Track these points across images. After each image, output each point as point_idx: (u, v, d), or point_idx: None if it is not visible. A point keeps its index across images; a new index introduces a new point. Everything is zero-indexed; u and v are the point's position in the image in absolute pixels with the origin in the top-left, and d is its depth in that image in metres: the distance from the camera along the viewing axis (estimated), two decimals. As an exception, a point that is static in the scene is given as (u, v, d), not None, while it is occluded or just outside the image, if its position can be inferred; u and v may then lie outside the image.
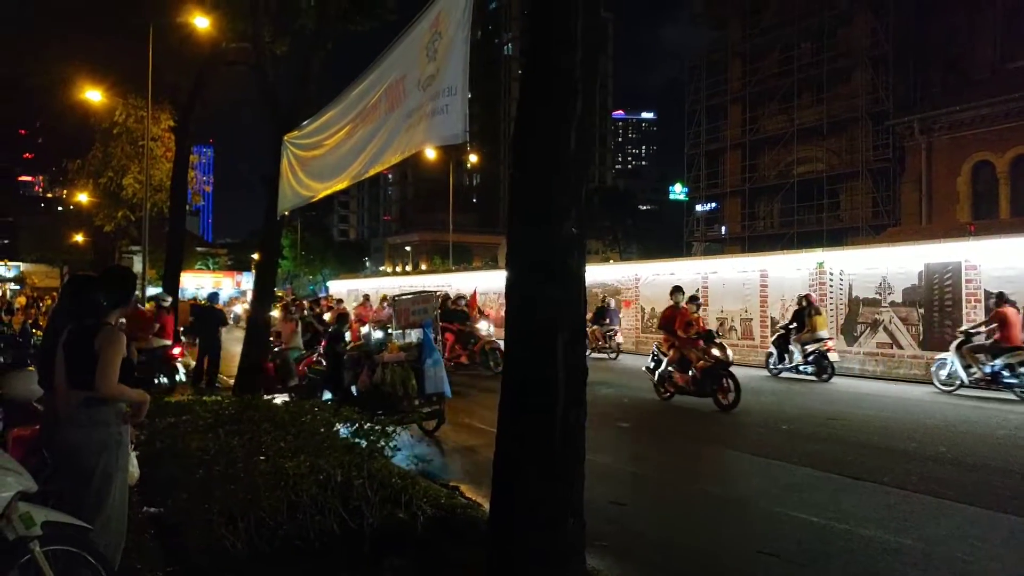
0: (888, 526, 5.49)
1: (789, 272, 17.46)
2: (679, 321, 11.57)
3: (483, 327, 16.89)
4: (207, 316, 14.60)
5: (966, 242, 14.48)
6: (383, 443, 5.55)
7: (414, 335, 10.06)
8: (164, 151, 19.50)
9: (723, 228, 42.15)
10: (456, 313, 17.02)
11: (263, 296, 12.32)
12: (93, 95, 18.88)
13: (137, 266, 26.39)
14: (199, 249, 64.32)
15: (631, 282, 22.21)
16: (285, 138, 10.20)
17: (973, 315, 13.68)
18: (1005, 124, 27.77)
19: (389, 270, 77.74)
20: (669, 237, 57.19)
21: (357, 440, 5.63)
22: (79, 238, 39.60)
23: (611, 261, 43.15)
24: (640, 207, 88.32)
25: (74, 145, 21.80)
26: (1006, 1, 29.84)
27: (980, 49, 30.64)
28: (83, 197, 27.31)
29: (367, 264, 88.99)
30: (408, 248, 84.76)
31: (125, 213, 21.21)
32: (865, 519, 5.65)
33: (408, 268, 76.64)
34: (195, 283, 47.16)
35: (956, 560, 4.86)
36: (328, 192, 9.13)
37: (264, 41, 12.06)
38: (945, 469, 7.20)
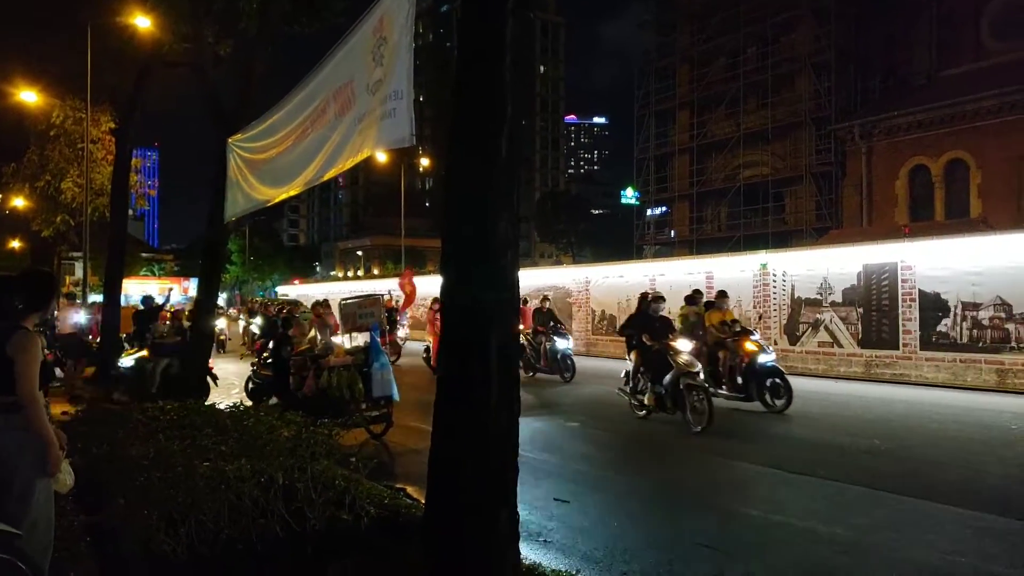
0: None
1: (734, 274, 17.81)
2: None
3: None
4: (146, 321, 14.14)
5: (901, 244, 14.98)
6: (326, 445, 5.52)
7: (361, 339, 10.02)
8: (104, 154, 19.01)
9: (672, 231, 42.77)
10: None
11: (206, 303, 12.10)
12: (28, 96, 18.33)
13: (78, 272, 25.66)
14: (144, 255, 62.70)
15: (582, 285, 22.40)
16: (230, 140, 10.01)
17: (909, 313, 14.23)
18: (940, 129, 28.83)
19: (340, 275, 77.01)
20: (622, 240, 57.77)
21: (300, 442, 5.60)
22: (15, 244, 38.32)
23: (564, 264, 43.46)
24: (593, 211, 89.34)
25: (8, 148, 21.13)
26: (940, 12, 30.99)
27: (917, 57, 31.79)
28: (19, 202, 26.43)
29: (318, 269, 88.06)
30: (360, 253, 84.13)
31: (64, 218, 20.60)
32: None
33: (360, 273, 76.03)
34: (140, 289, 45.91)
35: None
36: (283, 197, 8.99)
37: (207, 42, 11.87)
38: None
